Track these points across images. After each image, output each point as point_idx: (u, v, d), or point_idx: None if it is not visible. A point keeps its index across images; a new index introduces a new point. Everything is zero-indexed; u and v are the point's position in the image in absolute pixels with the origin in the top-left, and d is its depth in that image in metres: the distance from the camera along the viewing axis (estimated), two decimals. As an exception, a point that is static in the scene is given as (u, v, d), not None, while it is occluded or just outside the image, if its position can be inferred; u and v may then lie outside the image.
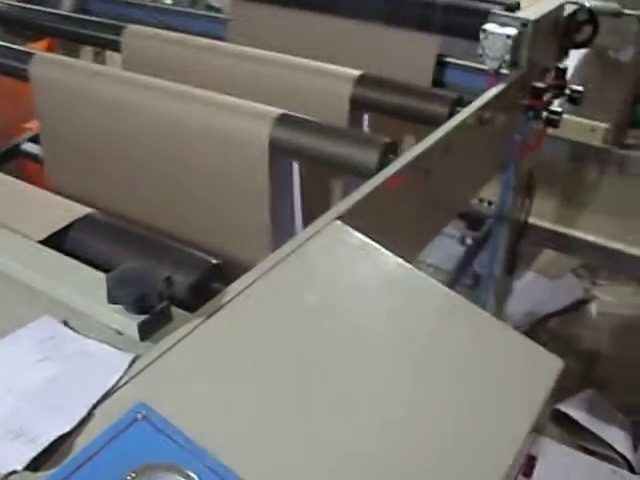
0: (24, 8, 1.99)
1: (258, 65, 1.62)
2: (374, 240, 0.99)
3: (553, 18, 1.72)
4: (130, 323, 0.77)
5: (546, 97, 1.68)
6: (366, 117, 1.60)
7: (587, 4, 2.06)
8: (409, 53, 1.80)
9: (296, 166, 1.38)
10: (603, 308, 3.41)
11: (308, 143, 1.28)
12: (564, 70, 1.74)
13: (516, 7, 1.74)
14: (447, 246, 2.89)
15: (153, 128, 1.45)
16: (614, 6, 2.55)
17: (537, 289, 3.48)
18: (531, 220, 2.58)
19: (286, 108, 1.55)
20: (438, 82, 1.88)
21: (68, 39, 1.96)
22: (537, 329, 3.31)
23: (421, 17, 1.76)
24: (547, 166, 2.60)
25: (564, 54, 1.94)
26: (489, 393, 0.85)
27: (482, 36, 1.58)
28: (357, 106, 1.52)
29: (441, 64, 1.85)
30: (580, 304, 3.44)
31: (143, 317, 0.77)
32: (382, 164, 1.20)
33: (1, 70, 1.69)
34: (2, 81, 2.01)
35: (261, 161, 1.31)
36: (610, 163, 2.50)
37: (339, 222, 1.00)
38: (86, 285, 0.83)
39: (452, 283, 1.90)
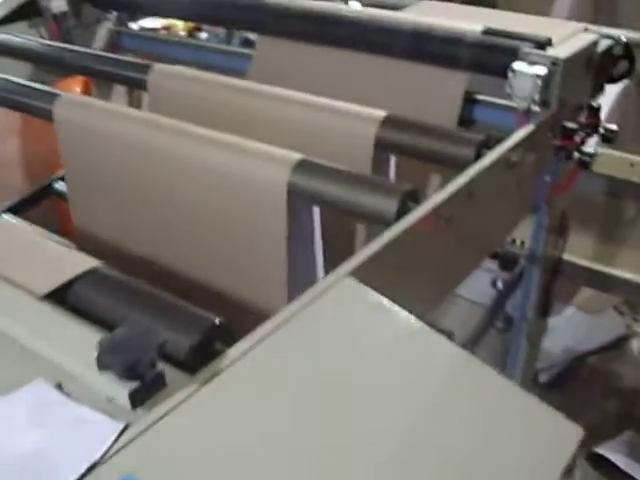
0: (51, 45, 1.99)
1: (283, 105, 1.59)
2: (389, 295, 0.95)
3: (586, 55, 1.67)
4: (121, 390, 0.74)
5: (578, 137, 1.62)
6: (393, 159, 1.56)
7: (623, 38, 2.01)
8: (436, 90, 1.76)
9: (317, 211, 1.35)
10: (646, 345, 3.31)
11: (326, 189, 1.25)
12: (597, 108, 1.68)
13: (547, 44, 1.69)
14: (484, 280, 2.83)
15: (171, 170, 1.44)
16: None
17: (577, 325, 3.39)
18: (568, 257, 2.52)
19: (310, 150, 1.53)
20: (467, 120, 1.84)
21: (95, 77, 1.96)
22: (576, 366, 3.21)
23: (448, 53, 1.72)
24: (583, 202, 2.54)
25: (598, 91, 1.88)
26: (500, 466, 0.80)
27: (510, 75, 1.54)
28: (382, 148, 1.48)
29: (470, 101, 1.82)
30: (621, 341, 3.35)
31: (134, 384, 0.74)
32: (401, 212, 1.16)
33: (26, 110, 1.69)
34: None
35: (279, 207, 1.29)
36: (648, 199, 2.42)
37: (351, 278, 0.96)
38: (82, 347, 0.80)
39: (483, 327, 1.83)
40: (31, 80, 2.18)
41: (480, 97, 1.78)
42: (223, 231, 1.41)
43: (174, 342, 0.89)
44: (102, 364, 0.73)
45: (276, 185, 1.27)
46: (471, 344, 1.76)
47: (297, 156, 1.29)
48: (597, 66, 1.77)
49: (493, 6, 6.35)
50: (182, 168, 1.42)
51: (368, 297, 0.94)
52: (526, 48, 1.58)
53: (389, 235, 1.05)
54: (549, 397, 2.70)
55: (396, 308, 0.92)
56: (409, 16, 2.02)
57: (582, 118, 1.70)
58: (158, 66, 1.79)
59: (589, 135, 1.69)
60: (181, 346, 0.88)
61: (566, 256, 2.52)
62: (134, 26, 3.17)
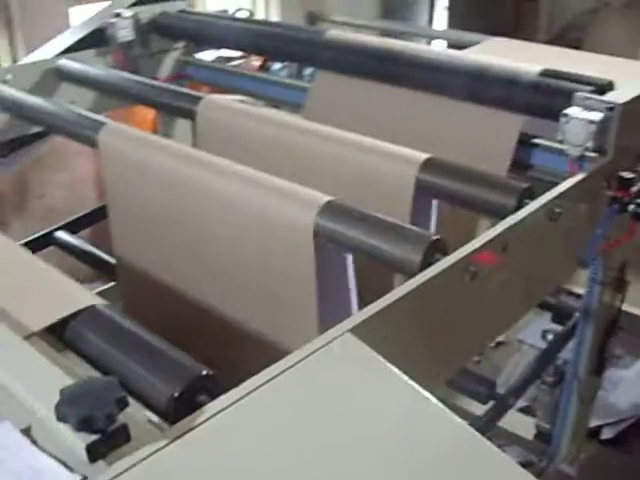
0: (106, 74, 2.02)
1: (326, 143, 1.56)
2: (393, 354, 0.89)
3: (650, 99, 1.57)
4: (79, 443, 0.70)
5: (637, 187, 1.52)
6: (435, 203, 1.51)
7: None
8: (489, 131, 1.70)
9: (349, 256, 1.30)
10: None
11: (351, 233, 1.20)
12: (661, 157, 1.58)
13: (608, 87, 1.60)
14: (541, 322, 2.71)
15: (201, 205, 1.43)
16: None
17: (647, 380, 3.22)
18: (632, 310, 2.39)
19: (352, 190, 1.49)
20: (523, 164, 1.77)
21: (147, 106, 1.97)
22: (644, 424, 3.04)
23: (502, 95, 1.65)
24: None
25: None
26: None
27: (563, 120, 1.46)
28: (423, 191, 1.43)
29: (528, 145, 1.74)
30: (695, 399, 3.15)
31: (93, 437, 0.70)
32: (426, 263, 1.10)
33: (74, 137, 1.71)
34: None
35: (306, 249, 1.25)
36: None
37: (350, 335, 0.90)
38: (54, 393, 0.77)
39: (528, 380, 1.74)
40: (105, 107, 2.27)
41: (538, 141, 1.70)
42: (252, 269, 1.38)
43: (157, 391, 0.86)
44: (59, 415, 0.69)
45: (303, 226, 1.23)
46: (514, 396, 1.67)
47: (325, 198, 1.25)
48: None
49: (578, 45, 6.24)
50: (212, 204, 1.41)
51: (365, 355, 0.88)
52: (582, 92, 1.50)
53: (401, 291, 0.99)
54: (611, 455, 2.57)
55: (393, 370, 0.86)
56: (468, 55, 1.96)
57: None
58: (207, 98, 1.78)
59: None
60: (163, 396, 0.84)
61: (630, 309, 2.39)
62: (208, 55, 3.21)
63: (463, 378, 1.73)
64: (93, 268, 2.03)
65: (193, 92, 1.87)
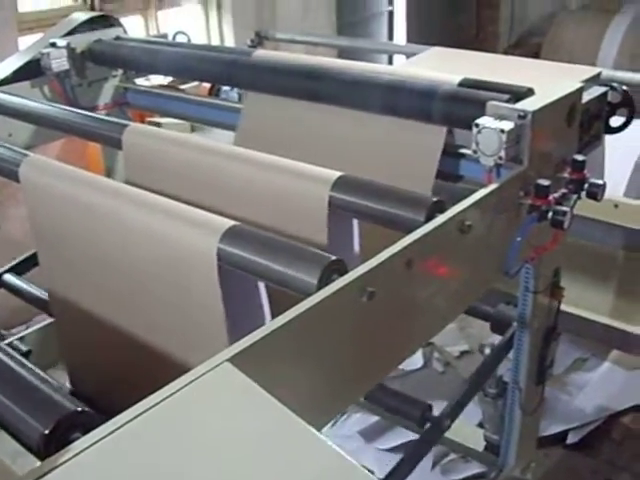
0: (38, 105, 2.01)
1: (243, 167, 1.55)
2: (275, 383, 0.88)
3: (565, 105, 1.56)
4: None
5: (557, 194, 1.51)
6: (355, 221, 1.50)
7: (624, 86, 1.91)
8: (413, 144, 1.70)
9: (261, 285, 1.29)
10: (687, 403, 3.10)
11: (252, 259, 1.19)
12: (582, 162, 1.57)
13: (526, 95, 1.60)
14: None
15: (120, 236, 1.42)
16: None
17: (611, 382, 3.20)
18: (585, 315, 2.38)
19: (269, 211, 1.49)
20: (452, 175, 1.76)
21: (77, 136, 1.96)
22: (610, 425, 3.02)
23: (420, 107, 1.65)
24: (602, 257, 2.40)
25: (591, 143, 1.77)
26: None
27: (475, 130, 1.45)
28: (337, 209, 1.42)
29: (456, 156, 1.73)
30: (660, 399, 3.14)
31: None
32: (323, 284, 1.09)
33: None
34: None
35: (211, 273, 1.24)
36: (671, 252, 2.28)
37: (229, 364, 0.89)
38: None
39: (468, 394, 1.72)
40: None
41: (467, 151, 1.69)
42: (165, 296, 1.37)
43: (29, 428, 0.85)
44: None
45: (206, 253, 1.23)
46: (449, 417, 1.64)
47: (228, 223, 1.24)
48: (584, 116, 1.67)
49: (538, 50, 6.26)
50: (127, 234, 1.40)
51: (241, 384, 0.86)
52: (494, 101, 1.49)
53: (287, 316, 0.97)
54: (577, 459, 2.55)
55: (270, 398, 0.85)
56: (392, 69, 1.97)
57: (566, 174, 1.59)
58: (131, 125, 1.78)
59: (574, 191, 1.58)
60: (34, 433, 0.83)
61: (584, 313, 2.39)
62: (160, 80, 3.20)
63: (399, 401, 1.72)
64: (37, 307, 2.03)
65: (119, 120, 1.86)
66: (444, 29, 5.99)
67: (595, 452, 2.88)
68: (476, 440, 2.07)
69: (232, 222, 1.24)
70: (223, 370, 0.88)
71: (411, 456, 1.61)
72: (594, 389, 3.18)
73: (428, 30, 5.73)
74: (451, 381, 3.24)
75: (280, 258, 1.16)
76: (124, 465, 0.78)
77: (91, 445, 0.78)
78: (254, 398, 0.85)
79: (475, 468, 2.68)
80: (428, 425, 1.66)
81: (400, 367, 3.28)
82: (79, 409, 0.86)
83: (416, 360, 3.41)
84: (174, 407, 0.84)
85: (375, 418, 2.93)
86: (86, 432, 0.81)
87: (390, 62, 4.99)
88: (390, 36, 5.87)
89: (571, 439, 2.94)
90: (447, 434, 2.12)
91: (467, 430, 2.15)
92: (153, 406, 0.83)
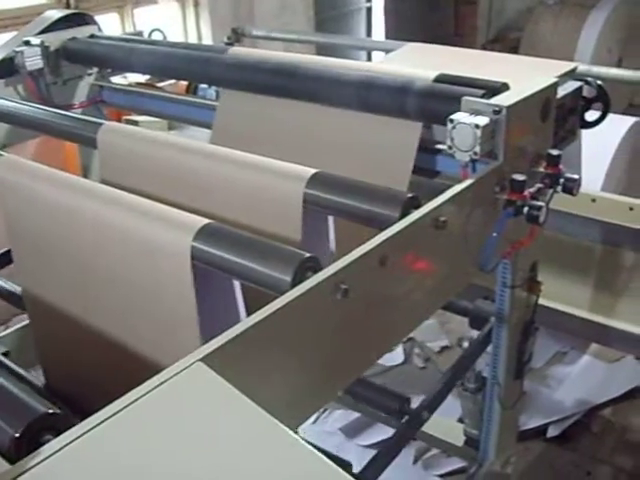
0: (11, 104, 1.98)
1: (218, 165, 1.54)
2: (247, 382, 0.87)
3: (540, 100, 1.56)
4: None
5: (533, 189, 1.52)
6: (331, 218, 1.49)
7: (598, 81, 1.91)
8: (389, 140, 1.69)
9: (237, 283, 1.28)
10: (666, 396, 3.13)
11: (226, 257, 1.18)
12: (557, 157, 1.57)
13: (501, 90, 1.60)
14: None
15: (93, 234, 1.41)
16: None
17: (591, 375, 3.23)
18: (564, 309, 2.39)
19: (244, 209, 1.48)
20: (429, 171, 1.76)
21: (51, 135, 1.94)
22: (590, 418, 3.04)
23: (396, 103, 1.64)
24: (580, 252, 2.41)
25: (567, 138, 1.78)
26: None
27: (450, 126, 1.45)
28: (313, 206, 1.41)
29: (433, 152, 1.73)
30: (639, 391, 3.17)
31: None
32: (298, 282, 1.08)
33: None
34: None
35: (185, 273, 1.23)
36: (648, 246, 2.29)
37: (201, 364, 0.88)
38: None
39: (445, 388, 1.72)
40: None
41: (443, 147, 1.68)
42: (139, 295, 1.36)
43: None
44: None
45: (180, 252, 1.22)
46: (428, 410, 1.64)
47: (202, 222, 1.23)
48: (560, 111, 1.67)
49: (516, 45, 6.28)
50: (101, 232, 1.39)
51: (214, 384, 0.86)
52: (469, 96, 1.49)
53: (258, 316, 0.97)
54: (558, 453, 2.57)
55: (242, 397, 0.84)
56: (368, 65, 1.96)
57: (542, 168, 1.59)
58: (106, 124, 1.76)
59: (548, 186, 1.58)
60: (5, 436, 0.82)
61: (561, 307, 2.40)
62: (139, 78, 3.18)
63: (377, 394, 1.72)
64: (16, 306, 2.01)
65: (93, 119, 1.84)
66: (423, 25, 6.00)
67: (575, 445, 2.90)
68: (456, 435, 2.07)
69: (206, 220, 1.23)
70: (195, 370, 0.87)
71: (389, 448, 1.61)
72: (574, 382, 3.20)
73: (407, 26, 5.73)
74: (432, 376, 3.25)
75: (254, 256, 1.15)
76: (95, 468, 0.77)
77: (62, 448, 0.77)
78: (227, 398, 0.85)
79: (456, 463, 2.69)
80: (406, 418, 1.66)
81: (381, 363, 3.28)
82: (50, 411, 0.85)
83: (397, 356, 3.42)
84: (145, 409, 0.83)
85: (357, 415, 2.93)
86: (58, 434, 0.81)
87: (369, 59, 4.98)
88: (368, 32, 5.87)
89: (551, 432, 2.96)
90: (427, 430, 2.14)
91: (447, 425, 2.15)
92: (124, 408, 0.82)
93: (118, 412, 0.82)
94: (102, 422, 0.81)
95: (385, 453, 1.59)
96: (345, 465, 1.44)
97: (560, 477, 2.79)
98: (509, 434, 2.00)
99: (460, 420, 2.24)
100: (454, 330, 3.46)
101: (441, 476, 2.79)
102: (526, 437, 2.89)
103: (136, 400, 0.83)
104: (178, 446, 0.79)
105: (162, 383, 0.86)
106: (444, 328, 3.56)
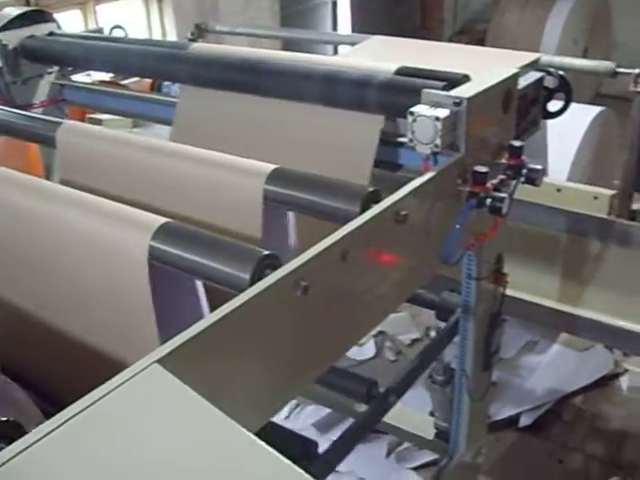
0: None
1: (178, 162, 1.52)
2: (205, 384, 0.86)
3: (501, 91, 1.56)
4: None
5: (496, 180, 1.52)
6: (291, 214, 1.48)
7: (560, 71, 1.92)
8: (350, 133, 1.68)
9: (200, 283, 1.27)
10: (635, 382, 3.15)
11: (184, 256, 1.17)
12: (519, 148, 1.57)
13: (462, 82, 1.59)
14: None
15: (49, 235, 1.38)
16: (610, 65, 2.40)
17: (562, 363, 3.25)
18: (531, 299, 2.40)
19: (204, 207, 1.47)
20: (392, 164, 1.75)
21: (9, 135, 1.91)
22: (561, 407, 3.07)
23: (356, 97, 1.64)
24: (546, 241, 2.43)
25: (529, 129, 1.78)
26: None
27: (410, 119, 1.44)
28: (273, 202, 1.40)
29: (395, 144, 1.73)
30: (610, 379, 3.19)
31: None
32: (256, 280, 1.07)
33: None
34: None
35: (142, 272, 1.21)
36: (613, 236, 2.30)
37: (158, 366, 0.86)
38: None
39: (409, 379, 1.72)
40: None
41: (405, 140, 1.68)
42: (94, 295, 1.34)
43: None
44: None
45: (137, 251, 1.20)
46: (395, 394, 1.64)
47: (160, 220, 1.21)
48: (522, 102, 1.67)
49: (483, 37, 6.29)
50: (57, 233, 1.36)
51: (170, 386, 0.84)
52: (429, 88, 1.49)
53: (216, 315, 0.95)
54: (530, 442, 2.59)
55: (199, 399, 0.83)
56: (328, 59, 1.95)
57: (504, 160, 1.59)
58: (65, 123, 1.73)
59: (513, 177, 1.58)
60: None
61: (529, 297, 2.41)
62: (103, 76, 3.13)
63: (345, 379, 1.72)
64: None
65: (53, 118, 1.81)
66: (389, 18, 5.99)
67: (547, 434, 2.92)
68: (427, 428, 2.07)
69: (164, 219, 1.21)
70: (151, 372, 0.86)
71: (355, 430, 1.60)
72: (545, 371, 3.22)
73: (373, 19, 5.73)
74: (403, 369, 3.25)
75: (212, 255, 1.14)
76: (48, 476, 0.75)
77: (14, 456, 0.76)
78: (183, 401, 0.83)
79: (428, 455, 2.69)
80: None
81: (352, 357, 3.28)
82: (3, 419, 0.83)
83: (368, 349, 3.42)
84: (100, 413, 0.81)
85: (329, 410, 2.93)
86: (11, 442, 0.79)
87: (335, 53, 4.96)
88: (334, 26, 5.85)
89: (523, 422, 2.97)
90: (399, 424, 2.14)
91: (418, 419, 2.15)
92: (78, 413, 0.81)
93: (71, 418, 0.80)
94: (55, 429, 0.79)
95: (350, 436, 1.58)
96: (310, 444, 1.44)
97: (532, 466, 2.80)
98: (479, 425, 2.00)
99: (431, 414, 2.25)
100: (425, 323, 3.46)
101: (414, 469, 2.80)
102: (498, 427, 2.91)
103: (92, 404, 0.82)
104: (133, 453, 0.78)
105: (117, 387, 0.84)
106: (415, 321, 3.56)
